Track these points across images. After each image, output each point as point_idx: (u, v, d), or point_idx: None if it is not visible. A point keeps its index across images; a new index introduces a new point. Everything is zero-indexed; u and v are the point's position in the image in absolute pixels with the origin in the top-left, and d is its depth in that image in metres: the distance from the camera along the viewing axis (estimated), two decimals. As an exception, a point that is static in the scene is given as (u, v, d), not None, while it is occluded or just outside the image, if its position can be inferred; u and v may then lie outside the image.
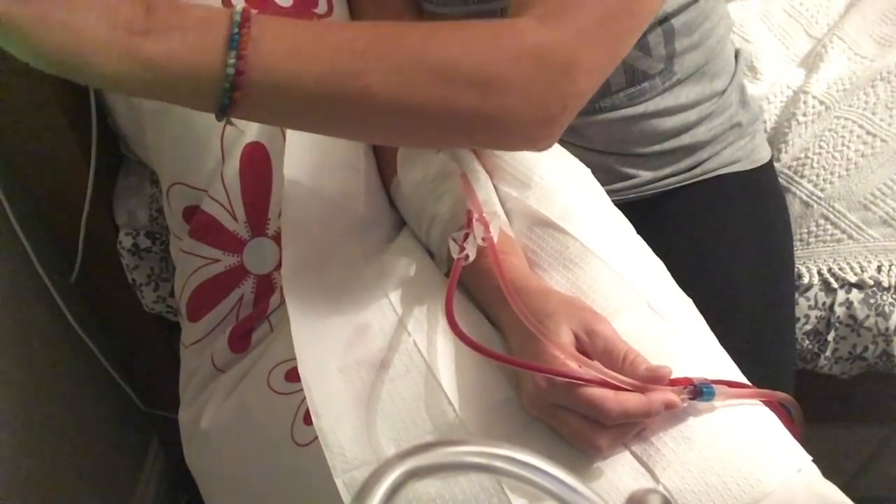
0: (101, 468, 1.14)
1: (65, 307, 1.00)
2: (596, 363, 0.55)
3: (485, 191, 0.71)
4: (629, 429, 0.55)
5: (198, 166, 0.75)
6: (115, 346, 1.13)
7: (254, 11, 0.50)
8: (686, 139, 0.83)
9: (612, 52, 0.60)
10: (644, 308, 0.63)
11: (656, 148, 0.83)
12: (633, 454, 0.56)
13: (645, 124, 0.81)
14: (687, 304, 0.66)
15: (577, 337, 0.57)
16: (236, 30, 0.48)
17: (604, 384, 0.53)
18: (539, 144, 0.60)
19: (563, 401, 0.54)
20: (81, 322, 1.04)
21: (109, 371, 1.11)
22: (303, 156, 0.72)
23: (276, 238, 0.74)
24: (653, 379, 0.54)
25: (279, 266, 0.72)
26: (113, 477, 1.18)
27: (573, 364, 0.55)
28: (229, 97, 0.49)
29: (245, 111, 0.51)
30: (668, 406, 0.54)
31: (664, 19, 0.76)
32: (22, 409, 0.96)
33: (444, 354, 0.62)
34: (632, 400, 0.53)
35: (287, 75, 0.50)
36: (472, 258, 0.63)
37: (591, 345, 0.57)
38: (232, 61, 0.48)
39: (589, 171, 0.75)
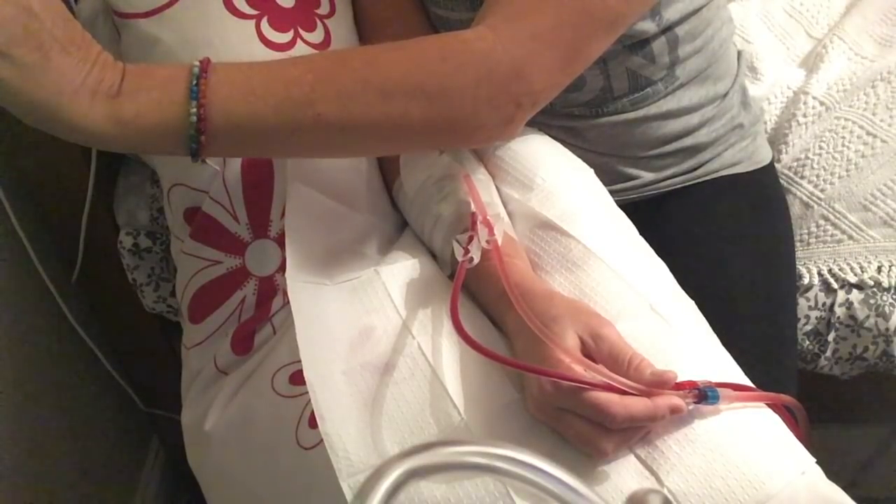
0: (101, 468, 1.13)
1: (65, 307, 1.00)
2: (601, 367, 0.55)
3: (488, 193, 0.71)
4: (634, 433, 0.55)
5: (199, 167, 0.74)
6: (115, 346, 1.12)
7: (213, 62, 0.56)
8: (688, 141, 0.83)
9: (571, 54, 0.63)
10: (647, 311, 0.63)
11: (658, 150, 0.83)
12: (638, 457, 0.56)
13: (647, 127, 0.81)
14: (689, 306, 0.66)
15: (582, 341, 0.57)
16: (195, 82, 0.54)
17: (609, 388, 0.54)
18: (500, 139, 0.65)
19: (569, 404, 0.54)
20: (81, 322, 1.04)
21: (109, 371, 1.11)
22: (305, 157, 0.72)
23: (278, 240, 0.73)
24: (658, 383, 0.54)
25: (281, 268, 0.71)
26: (113, 477, 1.18)
27: (579, 368, 0.55)
28: (196, 142, 0.55)
29: (214, 150, 0.57)
30: (674, 410, 0.54)
31: (668, 28, 0.76)
32: (22, 408, 0.96)
33: (448, 357, 0.62)
34: (637, 404, 0.53)
35: (245, 115, 0.56)
36: (476, 261, 0.63)
37: (596, 349, 0.57)
38: (193, 111, 0.54)
39: (592, 171, 0.75)
